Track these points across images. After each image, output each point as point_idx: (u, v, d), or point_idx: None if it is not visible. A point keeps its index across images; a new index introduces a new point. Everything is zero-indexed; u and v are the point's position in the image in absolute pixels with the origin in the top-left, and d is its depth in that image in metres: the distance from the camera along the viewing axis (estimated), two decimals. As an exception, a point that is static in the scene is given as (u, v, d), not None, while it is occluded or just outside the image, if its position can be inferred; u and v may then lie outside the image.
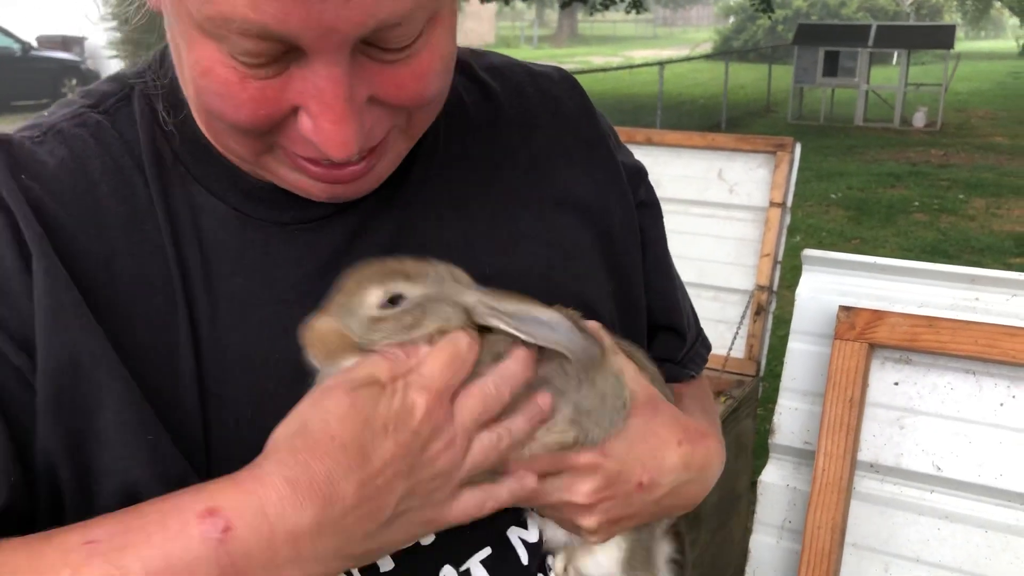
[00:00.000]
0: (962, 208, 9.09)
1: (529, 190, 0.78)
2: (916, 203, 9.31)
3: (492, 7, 26.46)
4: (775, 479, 1.44)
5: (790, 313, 1.47)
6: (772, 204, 2.98)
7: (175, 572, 0.54)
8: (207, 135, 0.68)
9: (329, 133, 0.59)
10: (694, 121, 15.04)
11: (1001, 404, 1.30)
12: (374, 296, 0.62)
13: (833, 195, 9.69)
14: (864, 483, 1.36)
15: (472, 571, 0.71)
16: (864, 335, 1.34)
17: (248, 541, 0.55)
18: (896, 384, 1.36)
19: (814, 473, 1.35)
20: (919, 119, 14.92)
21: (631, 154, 0.87)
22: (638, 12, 18.83)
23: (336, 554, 0.58)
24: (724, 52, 24.45)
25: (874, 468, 1.36)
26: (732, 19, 37.46)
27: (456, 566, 0.70)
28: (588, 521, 0.69)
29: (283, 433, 0.59)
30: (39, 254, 0.62)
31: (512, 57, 0.87)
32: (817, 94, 16.32)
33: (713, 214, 3.03)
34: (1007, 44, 43.93)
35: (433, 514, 0.62)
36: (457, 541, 0.69)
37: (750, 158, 3.06)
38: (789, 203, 2.97)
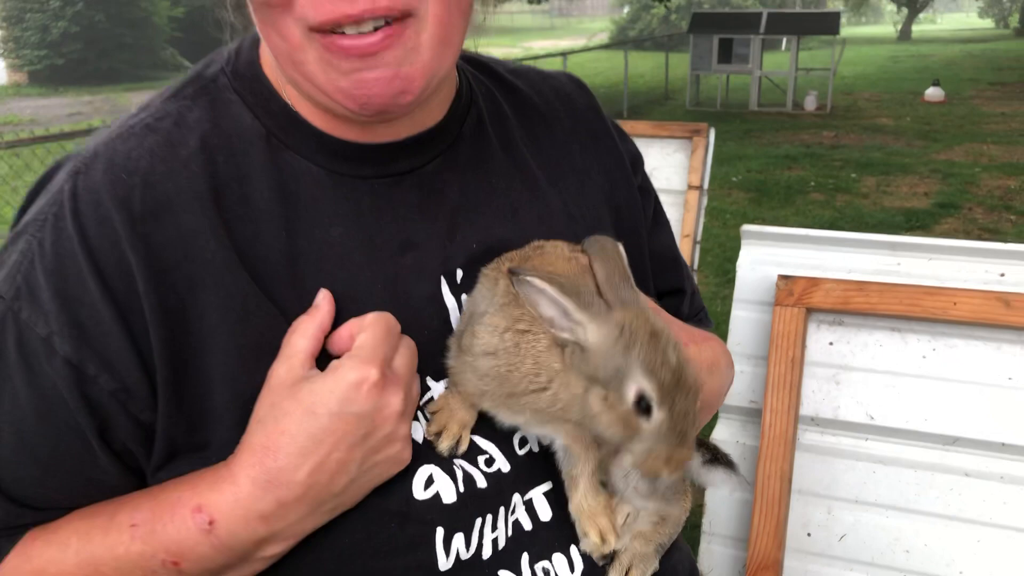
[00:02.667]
0: (855, 187, 9.51)
1: (555, 170, 0.90)
2: (812, 183, 9.70)
3: None
4: (725, 436, 1.56)
5: (710, 290, 1.58)
6: (690, 187, 3.12)
7: (185, 551, 0.71)
8: (284, 69, 0.75)
9: None
10: (597, 110, 15.32)
11: (924, 357, 1.45)
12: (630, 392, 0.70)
13: (734, 178, 10.00)
14: (807, 435, 1.49)
15: (534, 500, 0.81)
16: (801, 301, 1.47)
17: (229, 527, 0.70)
18: (831, 344, 1.49)
19: (762, 429, 1.48)
20: (810, 103, 15.50)
21: (633, 143, 0.99)
22: (538, 3, 18.99)
23: (305, 519, 0.72)
24: (622, 42, 24.86)
25: (815, 421, 1.49)
26: (627, 9, 38.00)
27: (523, 493, 0.81)
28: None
29: (252, 428, 0.71)
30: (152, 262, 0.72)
31: (524, 63, 1.00)
32: (713, 81, 16.77)
33: (635, 198, 3.16)
34: (886, 29, 45.90)
35: (394, 460, 0.73)
36: (526, 473, 0.81)
37: (667, 144, 3.19)
38: (706, 185, 3.12)
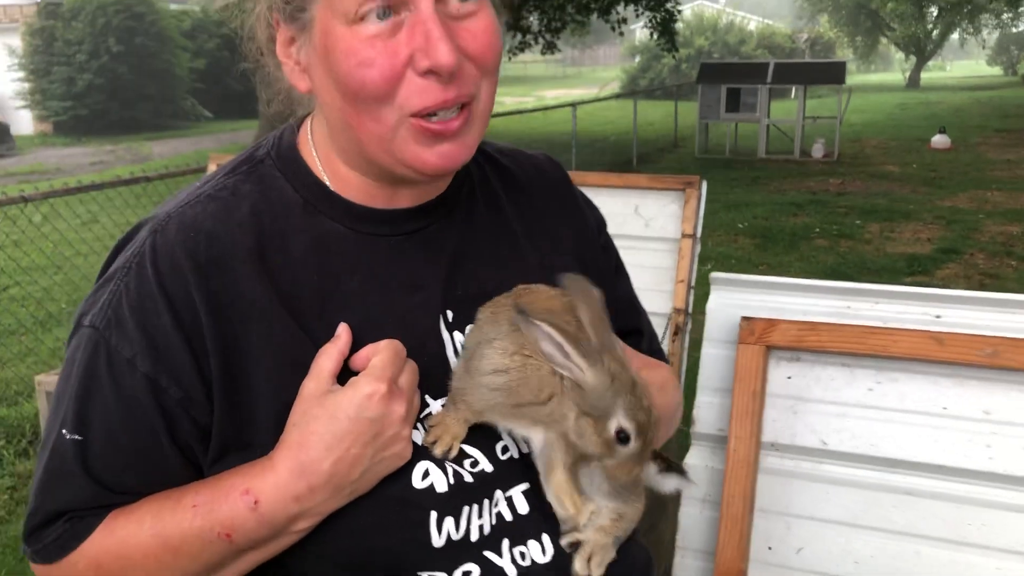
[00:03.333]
0: (859, 233, 9.68)
1: (533, 231, 1.13)
2: (817, 229, 9.88)
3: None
4: (696, 461, 1.74)
5: (695, 362, 1.78)
6: (684, 235, 3.32)
7: (236, 526, 0.91)
8: (354, 145, 0.97)
9: (433, 48, 0.88)
10: (607, 158, 15.56)
11: (870, 389, 1.63)
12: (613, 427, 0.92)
13: (740, 224, 10.20)
14: (767, 459, 1.68)
15: (514, 497, 1.01)
16: (761, 339, 1.67)
17: (270, 506, 0.91)
18: (789, 378, 1.68)
19: (727, 454, 1.66)
20: (817, 150, 15.70)
21: (596, 209, 1.23)
22: (552, 53, 19.43)
23: (329, 501, 0.92)
24: (632, 91, 25.28)
25: (774, 447, 1.68)
26: (638, 58, 38.54)
27: (504, 491, 1.01)
28: None
29: (289, 430, 0.92)
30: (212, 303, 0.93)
31: (509, 144, 1.23)
32: (722, 129, 17.03)
33: (632, 246, 3.35)
34: (895, 77, 46.25)
35: (398, 455, 0.94)
36: (507, 474, 1.00)
37: (662, 195, 3.40)
38: (699, 234, 3.32)
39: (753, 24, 46.74)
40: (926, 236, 9.43)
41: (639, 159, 15.61)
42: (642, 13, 18.12)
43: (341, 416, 0.90)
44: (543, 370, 0.93)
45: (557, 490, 0.98)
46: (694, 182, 3.34)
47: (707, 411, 1.74)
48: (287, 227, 0.99)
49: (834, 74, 16.35)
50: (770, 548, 1.65)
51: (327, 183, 1.02)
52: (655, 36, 18.43)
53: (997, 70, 48.08)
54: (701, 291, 3.81)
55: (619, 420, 0.91)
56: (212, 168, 3.99)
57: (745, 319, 1.68)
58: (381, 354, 0.93)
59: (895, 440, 1.60)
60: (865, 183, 13.11)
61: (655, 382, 1.10)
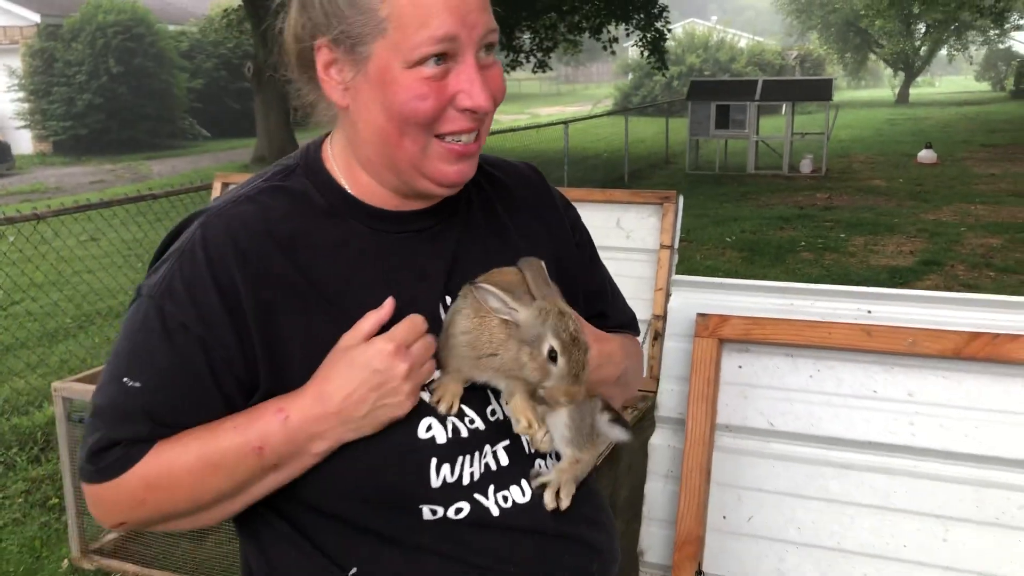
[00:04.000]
0: (844, 246, 9.91)
1: (519, 234, 1.35)
2: (803, 243, 10.11)
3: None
4: (660, 441, 1.97)
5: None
6: (662, 246, 3.54)
7: (267, 438, 1.12)
8: (385, 160, 1.20)
9: (475, 93, 1.14)
10: (599, 174, 15.81)
11: (811, 376, 1.86)
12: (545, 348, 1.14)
13: (728, 238, 10.43)
14: (722, 439, 1.90)
15: (498, 451, 1.23)
16: (715, 333, 1.89)
17: (296, 421, 1.12)
18: (740, 367, 1.91)
19: (686, 434, 1.88)
20: (805, 166, 15.98)
21: (574, 209, 1.47)
22: (544, 72, 19.72)
23: (338, 428, 1.14)
24: (625, 108, 25.59)
25: (727, 428, 1.90)
26: (630, 75, 38.91)
27: (491, 446, 1.23)
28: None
29: (321, 367, 1.15)
30: (252, 284, 1.15)
31: (496, 156, 1.46)
32: (712, 145, 17.32)
33: (614, 257, 3.56)
34: (884, 92, 46.66)
35: (396, 405, 1.14)
36: (494, 433, 1.22)
37: (642, 208, 3.62)
38: (676, 245, 3.55)
39: (744, 41, 47.19)
40: (909, 249, 9.68)
41: (631, 175, 15.85)
42: (632, 32, 18.42)
43: (356, 363, 1.12)
44: (495, 325, 1.16)
45: (515, 409, 1.19)
46: (671, 196, 3.56)
47: (668, 397, 1.96)
48: (314, 226, 1.20)
49: (821, 91, 16.66)
50: (724, 517, 1.87)
51: (348, 189, 1.24)
52: (645, 55, 18.74)
53: (985, 85, 48.54)
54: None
55: (548, 341, 1.13)
56: (217, 186, 4.22)
57: (700, 316, 1.90)
58: (402, 324, 1.14)
59: (833, 420, 1.82)
60: (851, 197, 13.36)
61: (611, 346, 1.32)
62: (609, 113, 22.45)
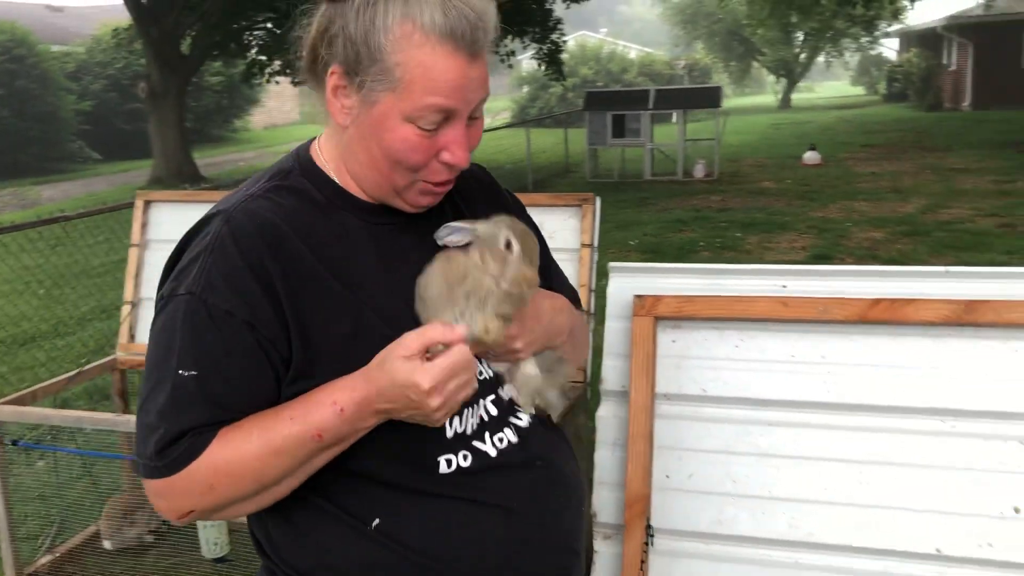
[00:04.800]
0: (740, 244, 10.34)
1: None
2: (701, 243, 10.51)
3: (292, 86, 27.01)
4: (606, 412, 2.16)
5: (600, 335, 2.20)
6: (583, 245, 3.76)
7: (326, 428, 1.24)
8: (371, 178, 1.36)
9: (459, 155, 1.31)
10: (504, 184, 16.03)
11: (736, 346, 2.08)
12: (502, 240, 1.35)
13: (631, 242, 10.77)
14: (661, 407, 2.10)
15: (487, 405, 1.42)
16: (651, 312, 2.10)
17: (351, 413, 1.25)
18: (674, 341, 2.12)
19: (629, 404, 2.08)
20: (699, 171, 16.52)
21: (520, 202, 1.65)
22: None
23: (383, 416, 1.26)
24: (524, 120, 25.99)
25: (666, 396, 2.11)
26: (526, 88, 39.47)
27: (483, 399, 1.41)
28: (518, 344, 1.40)
29: (373, 363, 1.26)
30: (280, 274, 1.28)
31: None
32: (610, 154, 17.73)
33: (539, 256, 3.78)
34: (768, 98, 48.47)
35: (430, 422, 1.27)
36: (484, 388, 1.40)
37: (562, 211, 3.84)
38: (596, 244, 3.77)
39: (634, 53, 48.40)
40: (800, 245, 10.20)
41: (535, 185, 16.12)
42: (529, 45, 18.77)
43: (397, 382, 1.21)
44: (460, 259, 1.35)
45: (477, 323, 1.34)
46: (589, 199, 3.79)
47: (612, 372, 2.16)
48: (318, 218, 1.35)
49: (711, 98, 17.26)
50: (667, 476, 2.08)
51: (340, 185, 1.39)
52: (543, 67, 19.13)
53: (860, 90, 51.01)
54: (600, 293, 4.29)
55: (504, 234, 1.34)
56: (140, 204, 4.25)
57: (638, 297, 2.11)
58: (450, 359, 1.20)
59: (758, 383, 2.05)
60: (744, 199, 13.90)
61: (560, 302, 1.52)
62: (508, 125, 22.76)
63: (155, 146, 19.80)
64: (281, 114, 42.05)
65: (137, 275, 4.22)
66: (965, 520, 1.89)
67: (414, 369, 1.19)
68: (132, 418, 4.31)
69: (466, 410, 1.37)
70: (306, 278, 1.30)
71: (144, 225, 4.24)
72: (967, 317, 1.91)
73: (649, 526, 2.03)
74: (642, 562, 2.00)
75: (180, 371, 1.22)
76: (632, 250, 10.29)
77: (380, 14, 1.23)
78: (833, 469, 1.99)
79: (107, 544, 3.89)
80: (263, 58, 19.80)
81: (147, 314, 4.17)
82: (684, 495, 2.06)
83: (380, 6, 1.23)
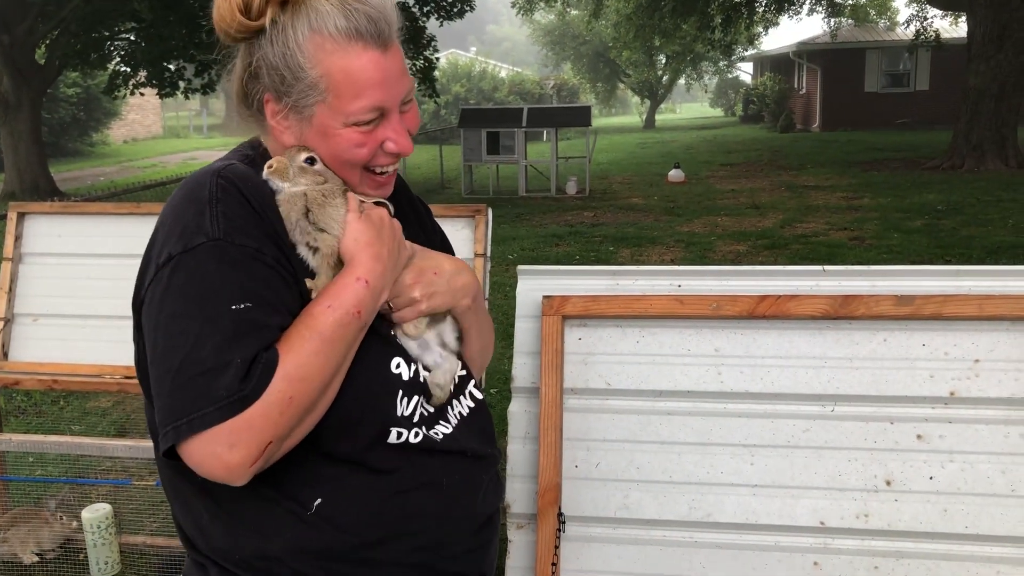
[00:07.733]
0: (613, 258, 10.73)
1: (403, 216, 1.60)
2: (577, 257, 10.85)
3: (156, 99, 26.06)
4: (517, 408, 2.26)
5: (497, 351, 2.31)
6: (476, 255, 3.87)
7: (360, 302, 1.32)
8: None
9: (400, 142, 1.41)
10: (380, 200, 16.04)
11: (637, 342, 2.23)
12: (302, 156, 1.41)
13: (510, 256, 10.99)
14: (569, 401, 2.22)
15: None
16: (558, 311, 2.22)
17: (374, 282, 1.36)
18: (580, 339, 2.25)
19: (540, 399, 2.19)
20: (571, 187, 17.01)
21: (425, 205, 1.76)
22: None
23: (390, 275, 1.40)
24: (395, 136, 25.94)
25: (574, 391, 2.23)
26: (398, 104, 39.36)
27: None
28: (415, 293, 1.49)
29: (353, 241, 1.38)
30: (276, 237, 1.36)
31: None
32: (484, 170, 18.02)
33: (434, 266, 3.86)
34: (633, 119, 50.20)
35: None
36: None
37: (456, 221, 3.94)
38: (488, 253, 3.89)
39: (504, 72, 49.19)
40: (670, 257, 10.66)
41: (410, 200, 16.16)
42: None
43: (384, 234, 1.40)
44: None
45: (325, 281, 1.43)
46: (482, 210, 3.90)
47: (522, 369, 2.27)
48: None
49: (581, 117, 17.80)
50: (576, 466, 2.20)
51: None
52: (416, 84, 19.18)
53: (719, 111, 53.41)
54: (492, 302, 4.38)
55: (298, 159, 1.40)
56: (13, 216, 4.10)
57: (546, 297, 2.23)
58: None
59: (657, 376, 2.20)
60: (615, 215, 14.41)
61: (462, 263, 1.65)
62: (381, 141, 22.74)
63: (7, 159, 18.75)
64: (143, 128, 40.53)
65: (10, 290, 4.05)
66: (844, 494, 2.09)
67: (384, 222, 1.43)
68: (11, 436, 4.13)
69: (417, 396, 1.46)
70: (283, 230, 1.38)
71: (18, 238, 4.08)
72: (842, 311, 2.11)
73: (561, 514, 2.15)
74: (555, 548, 2.11)
75: (232, 306, 1.23)
76: (511, 264, 10.48)
77: (291, 36, 1.34)
78: (727, 453, 2.15)
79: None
80: (127, 69, 19.09)
81: (22, 331, 4.00)
82: (593, 483, 2.19)
83: (289, 30, 1.34)
